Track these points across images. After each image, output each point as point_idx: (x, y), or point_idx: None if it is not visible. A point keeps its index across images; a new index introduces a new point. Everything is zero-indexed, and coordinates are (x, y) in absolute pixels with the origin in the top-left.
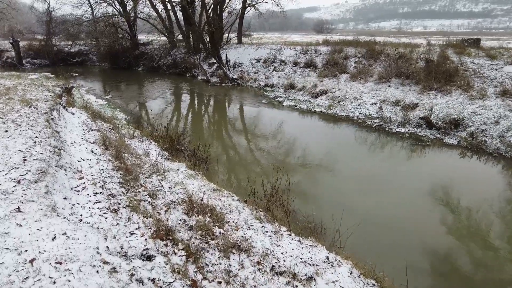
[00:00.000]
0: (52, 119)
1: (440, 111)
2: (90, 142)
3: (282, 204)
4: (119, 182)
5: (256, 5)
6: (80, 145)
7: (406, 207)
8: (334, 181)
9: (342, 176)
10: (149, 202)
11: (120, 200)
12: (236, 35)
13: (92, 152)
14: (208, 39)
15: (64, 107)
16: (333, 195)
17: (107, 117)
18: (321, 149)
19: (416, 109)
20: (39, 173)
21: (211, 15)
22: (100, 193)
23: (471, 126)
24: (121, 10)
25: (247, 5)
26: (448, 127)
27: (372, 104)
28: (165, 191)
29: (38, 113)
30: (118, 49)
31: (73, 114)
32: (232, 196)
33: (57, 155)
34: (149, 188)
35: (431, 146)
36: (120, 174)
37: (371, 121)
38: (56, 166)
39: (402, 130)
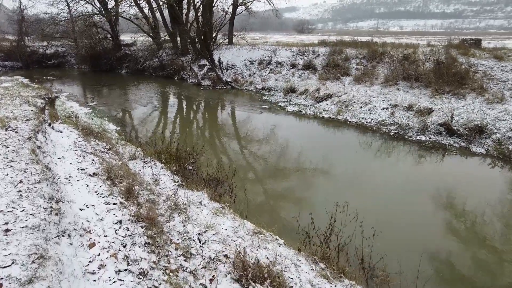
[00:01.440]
0: (38, 147)
1: (460, 117)
2: (90, 175)
3: (340, 247)
4: (144, 243)
5: (247, 4)
6: (78, 180)
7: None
8: (389, 205)
9: (392, 200)
10: (187, 269)
11: (155, 280)
12: (222, 35)
13: (97, 192)
14: (196, 40)
15: (49, 124)
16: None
17: (99, 132)
18: (351, 165)
19: (432, 115)
20: (33, 263)
21: (200, 14)
22: (126, 270)
23: (496, 132)
24: (102, 9)
25: (238, 4)
26: (471, 134)
27: (383, 109)
28: (200, 245)
29: (19, 140)
30: (99, 50)
31: (61, 132)
32: (277, 240)
33: (56, 214)
34: (178, 241)
35: (458, 156)
36: (142, 227)
37: (387, 128)
38: (57, 235)
39: (423, 138)
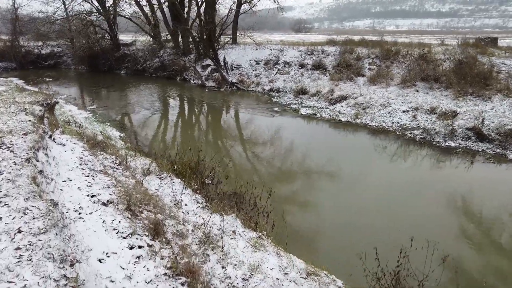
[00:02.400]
0: (40, 171)
1: (490, 121)
2: (104, 204)
3: None
4: None
5: (252, 1)
6: (90, 213)
7: None
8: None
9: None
10: None
11: None
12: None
13: (116, 231)
14: (198, 39)
15: (50, 136)
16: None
17: (105, 141)
18: (389, 178)
19: (457, 118)
20: None
21: (203, 11)
22: None
23: None
24: (99, 8)
25: (242, 2)
26: (504, 139)
27: (404, 112)
28: None
29: (15, 163)
30: (97, 50)
31: (64, 145)
32: (335, 282)
33: (73, 286)
34: None
35: (497, 164)
36: (182, 284)
37: (411, 133)
38: None
39: (452, 144)
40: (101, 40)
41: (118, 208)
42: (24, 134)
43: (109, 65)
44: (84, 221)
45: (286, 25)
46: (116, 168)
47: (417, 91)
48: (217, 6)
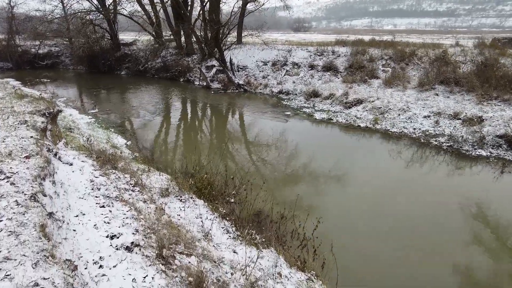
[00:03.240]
0: (50, 214)
1: None
2: (128, 249)
3: None
4: None
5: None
6: (114, 266)
7: None
8: None
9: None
10: None
11: None
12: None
13: None
14: (203, 39)
15: (55, 154)
16: None
17: (115, 155)
18: (431, 195)
19: (484, 124)
20: None
21: (207, 10)
22: None
23: None
24: (99, 6)
25: (248, 0)
26: None
27: (425, 117)
28: None
29: (17, 202)
30: (96, 50)
31: (71, 164)
32: None
33: None
34: None
35: None
36: None
37: (437, 140)
38: None
39: (483, 153)
40: (101, 39)
41: (146, 255)
42: (26, 157)
43: (109, 66)
44: (108, 279)
45: (284, 24)
46: (132, 190)
47: (437, 94)
48: (221, 5)
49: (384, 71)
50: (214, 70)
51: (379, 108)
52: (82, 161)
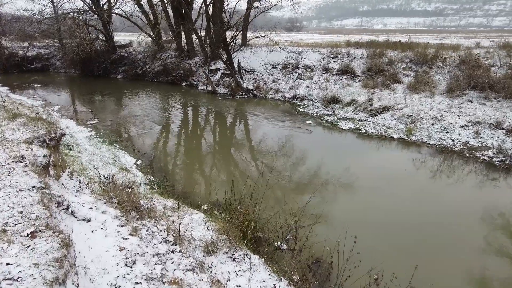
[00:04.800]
0: None
1: None
2: None
3: None
4: None
5: None
6: None
7: None
8: None
9: None
10: None
11: None
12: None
13: None
14: (207, 40)
15: (67, 208)
16: None
17: (136, 193)
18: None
19: None
20: None
21: (210, 9)
22: None
23: None
24: (92, 5)
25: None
26: None
27: (462, 127)
28: None
29: None
30: (90, 52)
31: (89, 221)
32: None
33: None
34: None
35: None
36: None
37: (484, 155)
38: None
39: None
40: (95, 41)
41: None
42: (31, 235)
43: (103, 69)
44: None
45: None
46: (172, 252)
47: (471, 101)
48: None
49: (405, 75)
50: (219, 73)
51: (409, 116)
52: (102, 212)
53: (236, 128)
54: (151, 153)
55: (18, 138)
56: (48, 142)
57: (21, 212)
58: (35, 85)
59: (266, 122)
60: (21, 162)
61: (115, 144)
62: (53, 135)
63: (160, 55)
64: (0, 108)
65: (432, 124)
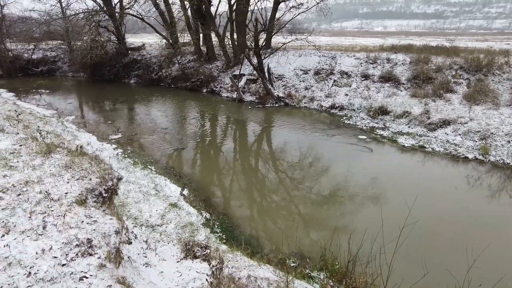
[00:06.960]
0: None
1: None
2: None
3: None
4: None
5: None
6: None
7: None
8: None
9: None
10: None
11: None
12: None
13: None
14: (230, 43)
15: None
16: None
17: (192, 235)
18: None
19: None
20: None
21: (234, 9)
22: None
23: None
24: (102, 5)
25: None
26: None
27: None
28: None
29: None
30: (103, 55)
31: (162, 272)
32: None
33: None
34: None
35: None
36: None
37: None
38: None
39: None
40: (106, 43)
41: None
42: None
43: (115, 73)
44: None
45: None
46: None
47: None
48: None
49: (456, 83)
50: (244, 79)
51: (478, 132)
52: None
53: (287, 146)
54: (196, 177)
55: (66, 194)
56: (104, 195)
57: None
58: (42, 90)
59: (315, 139)
60: (90, 254)
61: (149, 167)
62: (110, 184)
63: (178, 59)
64: (28, 138)
65: (508, 141)
